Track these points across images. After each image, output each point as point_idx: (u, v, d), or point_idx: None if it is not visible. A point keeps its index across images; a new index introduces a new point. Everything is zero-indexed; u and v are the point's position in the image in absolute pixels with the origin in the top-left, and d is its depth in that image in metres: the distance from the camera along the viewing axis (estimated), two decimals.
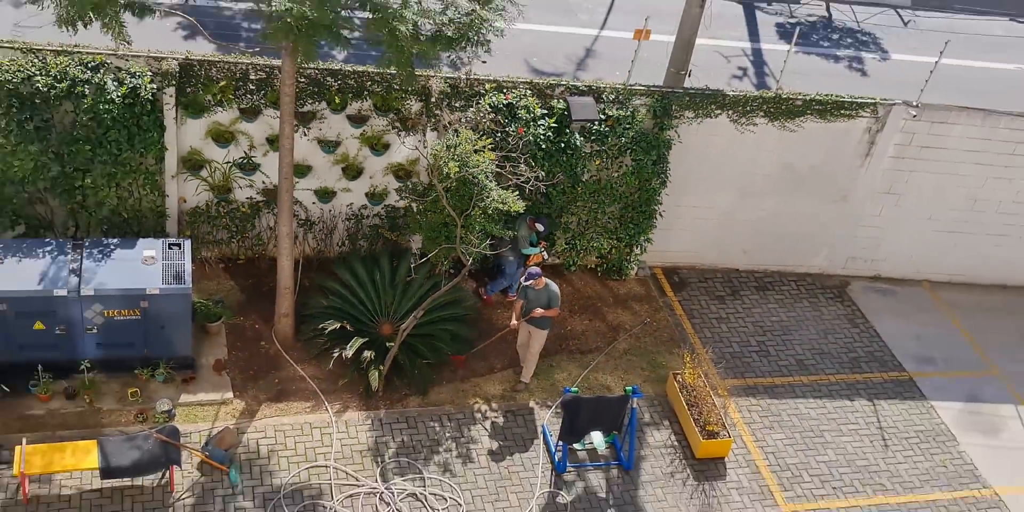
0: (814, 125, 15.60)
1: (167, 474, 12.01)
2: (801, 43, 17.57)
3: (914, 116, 15.68)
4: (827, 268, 17.34)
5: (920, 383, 15.54)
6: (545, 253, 14.90)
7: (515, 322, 13.68)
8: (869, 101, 15.57)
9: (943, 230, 17.08)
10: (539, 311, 13.30)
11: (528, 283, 13.27)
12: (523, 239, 14.71)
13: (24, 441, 11.76)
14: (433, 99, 14.26)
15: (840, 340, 16.10)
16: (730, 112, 15.28)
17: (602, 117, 14.66)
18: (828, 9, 19.45)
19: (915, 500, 13.65)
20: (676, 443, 13.81)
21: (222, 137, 14.05)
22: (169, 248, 13.08)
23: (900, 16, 19.48)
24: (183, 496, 12.00)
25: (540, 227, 14.67)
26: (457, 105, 14.35)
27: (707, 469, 13.53)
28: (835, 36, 18.63)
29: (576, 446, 13.40)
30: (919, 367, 15.83)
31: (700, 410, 13.71)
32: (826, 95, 15.47)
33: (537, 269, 13.36)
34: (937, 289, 17.54)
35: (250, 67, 13.73)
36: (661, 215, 15.73)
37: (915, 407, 15.10)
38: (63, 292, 12.31)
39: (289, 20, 10.46)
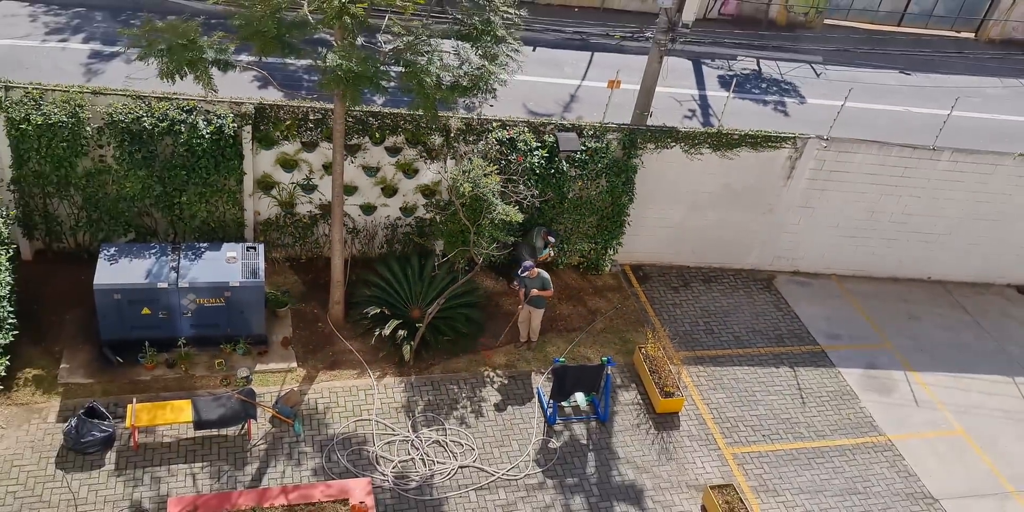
0: (747, 154, 15.51)
1: (246, 426, 11.95)
2: (737, 91, 17.48)
3: (825, 147, 15.59)
4: (758, 265, 17.24)
5: (830, 354, 15.45)
6: (552, 252, 14.99)
7: (521, 306, 13.83)
8: (790, 135, 15.48)
9: (847, 235, 16.98)
10: (535, 291, 13.47)
11: (524, 274, 13.46)
12: (538, 247, 14.83)
13: (134, 400, 11.73)
14: (452, 134, 14.18)
15: (768, 321, 16.00)
16: (682, 144, 15.19)
17: (583, 148, 14.58)
18: (758, 64, 19.36)
19: (826, 445, 13.57)
20: (641, 401, 13.73)
21: (288, 164, 13.97)
22: (247, 250, 13.01)
23: (814, 69, 19.39)
24: (258, 443, 11.94)
25: (552, 238, 14.81)
26: (470, 139, 14.27)
27: (665, 421, 13.45)
28: (764, 85, 18.53)
29: (563, 404, 13.32)
30: (829, 341, 15.74)
31: (660, 375, 13.63)
32: (757, 131, 15.39)
33: (530, 262, 13.55)
34: (843, 281, 17.44)
35: (309, 110, 13.66)
36: (629, 224, 15.63)
37: (826, 373, 15.01)
38: (164, 285, 12.25)
39: (340, 73, 10.41)
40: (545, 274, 13.63)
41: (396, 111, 13.86)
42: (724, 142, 15.25)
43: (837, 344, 15.71)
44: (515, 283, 15.12)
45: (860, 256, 17.31)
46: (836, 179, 16.08)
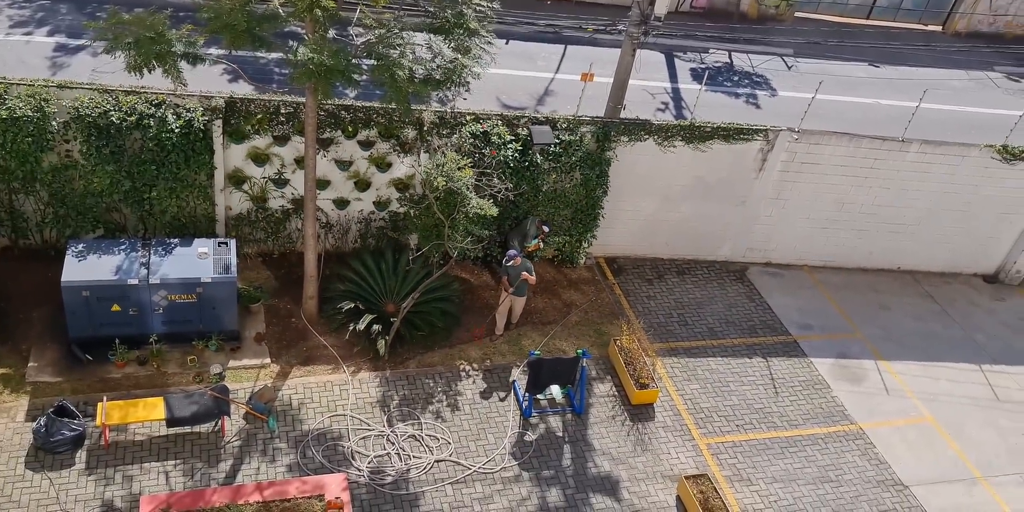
0: (720, 147, 15.59)
1: (219, 423, 11.86)
2: (709, 83, 17.54)
3: (796, 139, 15.71)
4: (730, 256, 17.36)
5: (802, 344, 15.61)
6: (542, 244, 15.08)
7: (504, 293, 14.00)
8: (762, 128, 15.58)
9: (818, 226, 17.13)
10: (524, 275, 13.68)
11: (508, 264, 13.68)
12: (529, 235, 14.87)
13: (105, 398, 11.58)
14: (425, 128, 14.11)
15: (741, 312, 16.12)
16: (655, 137, 15.24)
17: (557, 141, 14.57)
18: (730, 57, 19.44)
19: (799, 434, 13.72)
20: (616, 393, 13.79)
21: (259, 158, 13.84)
22: (219, 246, 12.88)
23: (785, 62, 19.50)
24: (232, 440, 11.85)
25: (546, 228, 14.96)
26: (444, 132, 14.22)
27: (640, 413, 13.52)
28: (735, 78, 18.61)
29: (539, 396, 13.35)
30: (801, 332, 15.90)
31: (634, 367, 13.70)
32: (729, 123, 15.47)
33: (513, 251, 13.76)
34: (814, 272, 17.62)
35: (281, 103, 13.53)
36: (603, 217, 15.67)
37: (798, 363, 15.17)
38: (135, 281, 12.10)
39: (311, 66, 10.32)
40: (528, 262, 13.90)
41: (369, 105, 13.76)
42: (697, 135, 15.32)
43: (809, 334, 15.87)
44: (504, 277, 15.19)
45: (831, 247, 17.48)
46: (807, 171, 16.21)
